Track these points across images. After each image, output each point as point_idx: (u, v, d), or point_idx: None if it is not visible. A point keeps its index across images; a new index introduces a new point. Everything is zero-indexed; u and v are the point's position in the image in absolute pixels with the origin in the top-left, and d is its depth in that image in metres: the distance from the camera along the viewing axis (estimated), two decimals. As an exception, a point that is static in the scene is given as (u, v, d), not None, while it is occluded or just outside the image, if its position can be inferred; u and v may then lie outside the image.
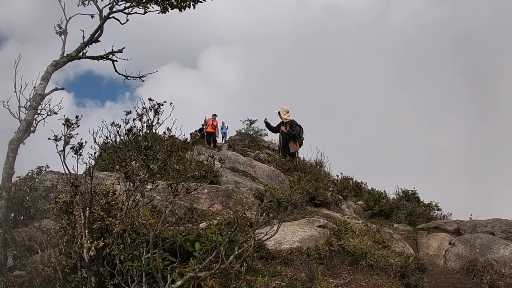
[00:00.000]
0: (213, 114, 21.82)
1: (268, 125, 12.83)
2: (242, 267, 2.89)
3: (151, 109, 4.50)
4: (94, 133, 6.49)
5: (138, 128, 4.53)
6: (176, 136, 7.94)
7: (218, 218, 4.76)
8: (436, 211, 10.27)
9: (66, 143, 3.69)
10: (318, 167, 12.22)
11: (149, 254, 2.93)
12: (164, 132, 4.74)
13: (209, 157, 6.15)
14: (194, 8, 6.87)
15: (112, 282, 3.10)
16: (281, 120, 12.29)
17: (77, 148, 3.68)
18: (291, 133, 11.86)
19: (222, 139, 25.94)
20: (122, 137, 4.98)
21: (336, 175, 12.41)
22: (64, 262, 3.26)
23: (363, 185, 11.77)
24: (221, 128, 25.65)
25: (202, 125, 22.62)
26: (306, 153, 13.45)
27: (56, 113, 5.98)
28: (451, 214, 9.99)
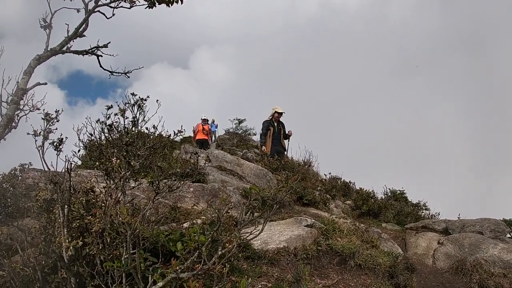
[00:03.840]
0: (203, 119, 18.89)
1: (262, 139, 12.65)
2: (224, 268, 2.79)
3: (134, 105, 4.38)
4: (78, 130, 6.37)
5: (121, 124, 4.42)
6: (162, 134, 7.85)
7: (203, 217, 4.67)
8: (424, 211, 10.29)
9: (45, 138, 3.58)
10: (307, 166, 12.18)
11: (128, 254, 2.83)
12: (147, 128, 4.63)
13: (192, 154, 6.02)
14: (182, 3, 6.75)
15: (92, 283, 2.99)
16: (270, 119, 12.17)
17: (57, 144, 3.57)
18: (289, 134, 12.05)
19: (213, 139, 25.11)
20: (106, 134, 4.88)
21: (324, 174, 12.39)
22: (43, 262, 3.15)
23: (352, 184, 11.73)
24: (211, 126, 24.81)
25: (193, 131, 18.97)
26: (294, 152, 13.43)
27: (38, 109, 5.86)
28: (439, 214, 10.01)
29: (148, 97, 4.64)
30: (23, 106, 5.80)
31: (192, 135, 19.55)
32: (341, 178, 12.04)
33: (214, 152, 9.93)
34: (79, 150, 6.27)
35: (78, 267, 3.04)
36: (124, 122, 4.42)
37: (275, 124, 12.03)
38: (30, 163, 5.57)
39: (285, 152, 12.29)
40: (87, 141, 6.99)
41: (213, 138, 24.86)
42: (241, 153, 13.08)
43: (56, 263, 3.09)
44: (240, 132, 24.97)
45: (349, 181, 11.90)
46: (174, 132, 4.69)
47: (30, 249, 3.20)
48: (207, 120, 19.34)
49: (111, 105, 4.44)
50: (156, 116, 5.52)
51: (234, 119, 28.10)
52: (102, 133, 6.24)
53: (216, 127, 27.00)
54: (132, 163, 3.48)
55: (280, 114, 12.08)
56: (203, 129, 18.38)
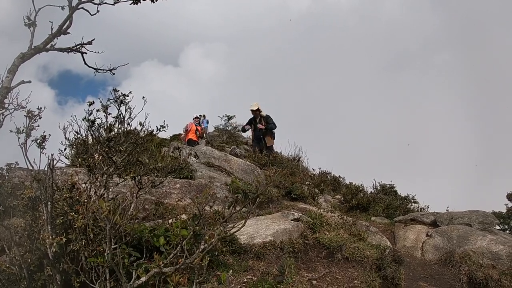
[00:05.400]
0: (195, 117, 16.80)
1: (243, 129, 12.84)
2: (204, 261, 2.79)
3: (117, 101, 4.34)
4: (64, 128, 6.33)
5: (104, 121, 4.37)
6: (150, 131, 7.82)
7: (188, 212, 4.66)
8: (413, 204, 10.36)
9: (28, 135, 3.56)
10: (296, 161, 12.21)
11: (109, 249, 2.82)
12: (129, 124, 4.57)
13: (175, 149, 6.01)
14: (166, -1, 6.72)
15: (78, 280, 2.97)
16: (252, 116, 12.17)
17: (40, 142, 3.55)
18: (271, 127, 11.89)
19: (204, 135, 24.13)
20: (90, 131, 4.85)
21: (313, 169, 12.45)
22: (29, 260, 3.13)
23: (341, 179, 11.80)
24: (202, 122, 24.28)
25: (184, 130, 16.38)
26: (284, 148, 13.45)
27: (23, 107, 5.82)
28: (428, 207, 10.07)
29: (130, 92, 4.60)
30: (8, 105, 5.76)
31: (182, 133, 17.30)
32: (331, 173, 12.11)
33: (202, 148, 9.88)
34: (65, 148, 6.23)
35: (63, 264, 3.02)
36: (107, 118, 4.37)
37: (255, 121, 12.13)
38: (16, 162, 5.54)
39: (269, 146, 12.16)
40: (73, 139, 6.94)
41: (204, 135, 24.27)
42: (229, 149, 13.12)
43: (41, 260, 3.07)
44: (229, 129, 24.86)
45: (339, 176, 11.97)
46: (157, 128, 4.66)
47: (15, 247, 3.18)
48: (199, 118, 17.66)
49: (93, 101, 4.39)
50: (144, 112, 5.51)
51: (223, 116, 27.95)
52: (88, 131, 6.21)
53: (207, 123, 26.79)
54: (114, 159, 3.47)
55: (254, 111, 12.06)
56: (196, 129, 15.99)
